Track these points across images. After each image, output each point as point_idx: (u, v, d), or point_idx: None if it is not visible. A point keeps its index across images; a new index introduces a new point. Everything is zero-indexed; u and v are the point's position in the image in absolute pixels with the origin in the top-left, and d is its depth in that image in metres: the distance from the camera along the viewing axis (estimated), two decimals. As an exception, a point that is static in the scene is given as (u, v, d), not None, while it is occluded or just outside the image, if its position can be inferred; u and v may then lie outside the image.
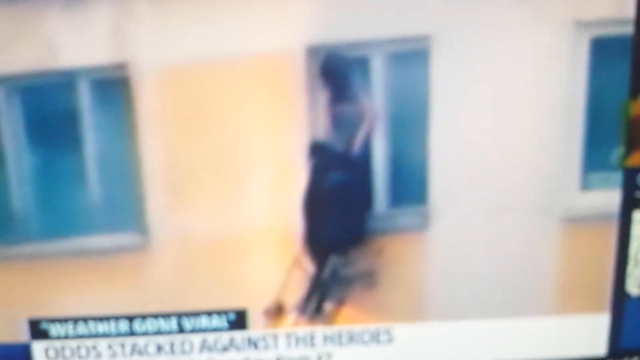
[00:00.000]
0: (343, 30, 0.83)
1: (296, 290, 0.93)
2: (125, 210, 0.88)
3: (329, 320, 0.94)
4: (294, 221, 0.90)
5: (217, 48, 0.83)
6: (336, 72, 0.85)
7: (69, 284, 0.90)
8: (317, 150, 0.87)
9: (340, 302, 0.94)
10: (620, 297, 0.95)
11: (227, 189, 0.88)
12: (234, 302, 0.92)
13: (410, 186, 0.89)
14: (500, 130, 0.87)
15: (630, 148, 0.88)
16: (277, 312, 0.93)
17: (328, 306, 0.94)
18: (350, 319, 0.94)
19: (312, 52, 0.84)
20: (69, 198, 0.87)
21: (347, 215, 0.91)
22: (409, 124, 0.87)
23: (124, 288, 0.91)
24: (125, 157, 0.86)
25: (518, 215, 0.90)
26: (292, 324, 0.94)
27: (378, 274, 0.92)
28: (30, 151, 0.85)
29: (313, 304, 0.94)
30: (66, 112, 0.84)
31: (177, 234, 0.89)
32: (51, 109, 0.84)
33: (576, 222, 0.91)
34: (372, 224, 0.90)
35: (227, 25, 0.83)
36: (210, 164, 0.87)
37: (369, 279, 0.93)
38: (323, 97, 0.86)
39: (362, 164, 0.88)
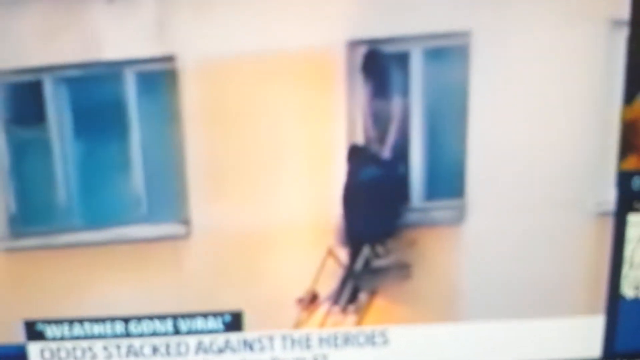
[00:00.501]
0: (383, 25, 0.85)
1: (329, 280, 0.94)
2: (168, 200, 0.89)
3: (361, 310, 0.95)
4: (329, 213, 0.91)
5: (259, 42, 0.85)
6: (376, 69, 0.86)
7: (111, 272, 0.92)
8: (355, 153, 0.88)
9: (373, 293, 0.95)
10: (615, 299, 0.96)
11: (265, 181, 0.89)
12: (268, 291, 0.93)
13: (446, 180, 0.90)
14: (536, 125, 0.88)
15: (624, 152, 0.90)
16: (310, 301, 0.95)
17: (361, 297, 0.95)
18: (382, 310, 0.95)
19: (353, 46, 0.85)
20: (112, 188, 0.88)
21: (382, 209, 0.92)
22: (447, 119, 0.88)
23: (163, 276, 0.92)
24: (168, 148, 0.88)
25: (553, 211, 0.91)
26: (325, 314, 0.95)
27: (411, 266, 0.93)
28: (75, 141, 0.87)
29: (346, 294, 0.95)
30: (112, 103, 0.86)
31: (216, 225, 0.90)
32: (97, 100, 0.86)
33: (610, 217, 0.92)
34: (407, 217, 0.91)
35: (270, 20, 0.84)
36: (249, 156, 0.88)
37: (402, 271, 0.94)
38: (362, 92, 0.87)
39: (396, 161, 0.89)
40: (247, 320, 0.95)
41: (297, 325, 0.95)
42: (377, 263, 0.93)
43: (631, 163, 0.90)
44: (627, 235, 0.93)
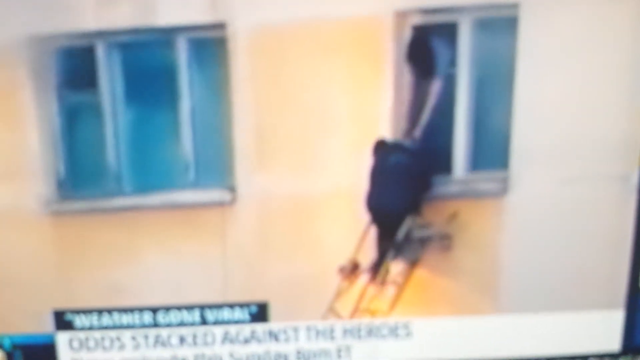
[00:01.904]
0: (432, -5, 0.85)
1: (371, 250, 0.95)
2: (215, 167, 0.90)
3: (402, 280, 0.96)
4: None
5: (309, 10, 0.85)
6: (421, 56, 0.87)
7: (157, 236, 0.93)
8: (381, 147, 0.90)
9: (414, 264, 0.96)
10: (634, 294, 0.96)
11: (311, 150, 0.90)
12: (310, 259, 0.94)
13: (491, 151, 0.91)
14: (583, 99, 0.88)
15: None
16: (351, 270, 0.96)
17: (401, 267, 0.96)
18: (422, 281, 0.96)
19: (401, 16, 0.86)
20: (161, 153, 0.90)
21: (404, 193, 0.93)
22: (494, 90, 0.88)
23: (208, 242, 0.93)
24: (217, 116, 0.89)
25: (597, 184, 0.91)
26: (365, 284, 0.96)
27: (452, 237, 0.94)
28: (126, 106, 0.88)
29: (387, 264, 0.96)
30: (163, 69, 0.87)
31: (261, 192, 0.91)
32: (149, 66, 0.87)
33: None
34: (449, 188, 0.92)
35: (320, -11, 0.85)
36: (296, 125, 0.89)
37: (443, 242, 0.95)
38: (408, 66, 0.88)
39: (422, 148, 0.90)
40: (285, 293, 0.95)
41: (338, 295, 0.96)
42: (419, 233, 0.94)
43: None
44: None
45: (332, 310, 0.97)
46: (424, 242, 0.94)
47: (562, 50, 0.86)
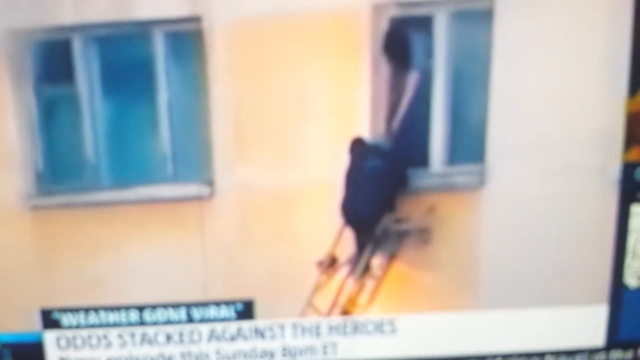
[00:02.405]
0: (408, -11, 0.86)
1: (350, 244, 0.95)
2: (193, 161, 0.90)
3: (380, 275, 0.96)
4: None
5: (286, 3, 0.86)
6: (398, 48, 0.87)
7: (136, 231, 0.93)
8: (358, 145, 0.90)
9: (392, 258, 0.96)
10: (618, 289, 0.96)
11: (289, 143, 0.91)
12: (289, 253, 0.94)
13: (468, 144, 0.91)
14: (560, 90, 0.89)
15: (628, 143, 0.90)
16: (329, 264, 0.96)
17: (380, 261, 0.96)
18: (401, 275, 0.96)
19: (378, 10, 0.86)
20: (139, 147, 0.90)
21: (379, 198, 0.93)
22: (470, 83, 0.89)
23: (187, 236, 0.93)
24: (194, 109, 0.89)
25: (573, 177, 0.91)
26: (344, 278, 0.96)
27: (431, 230, 0.94)
28: (104, 100, 0.88)
29: (365, 258, 0.96)
30: (140, 63, 0.87)
31: (240, 186, 0.91)
32: (126, 59, 0.87)
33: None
34: (427, 182, 0.92)
35: (296, -19, 0.85)
36: (275, 118, 0.89)
37: (422, 236, 0.95)
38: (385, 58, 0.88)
39: (398, 151, 0.91)
40: (265, 286, 0.95)
41: (317, 289, 0.96)
42: (397, 227, 0.94)
43: (634, 154, 0.91)
44: (630, 225, 0.93)
45: (310, 305, 0.97)
46: (402, 236, 0.95)
47: (539, 42, 0.87)
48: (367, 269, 0.96)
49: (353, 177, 0.91)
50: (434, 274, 0.95)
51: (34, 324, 0.95)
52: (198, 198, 0.91)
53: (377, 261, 0.96)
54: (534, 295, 0.96)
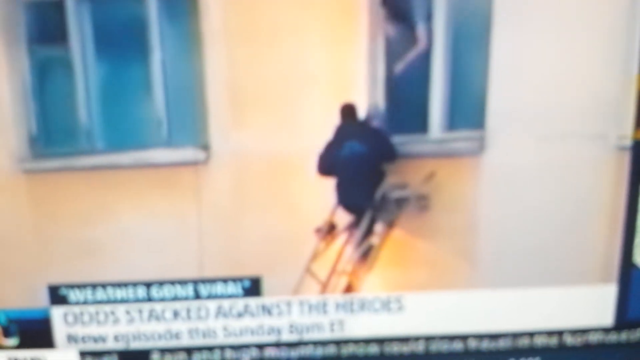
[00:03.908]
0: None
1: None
2: (188, 124, 0.89)
3: (379, 242, 0.95)
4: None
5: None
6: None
7: (130, 196, 0.92)
8: (348, 111, 0.88)
9: (391, 225, 0.95)
10: (627, 268, 0.95)
11: (286, 107, 0.89)
12: (286, 219, 0.93)
13: (467, 110, 0.89)
14: (560, 56, 0.87)
15: (638, 122, 0.89)
16: (328, 231, 0.95)
17: (379, 228, 0.95)
18: (399, 242, 0.95)
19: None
20: (133, 110, 0.89)
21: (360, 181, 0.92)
22: (470, 46, 0.87)
23: (182, 202, 0.92)
24: (189, 71, 0.88)
25: (574, 143, 0.90)
26: (342, 245, 0.95)
27: (430, 198, 0.93)
28: (97, 61, 0.87)
29: (364, 225, 0.95)
30: (133, 23, 0.86)
31: (236, 150, 0.90)
32: (119, 19, 0.86)
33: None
34: (425, 148, 0.91)
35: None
36: (271, 81, 0.88)
37: (420, 203, 0.94)
38: (383, 17, 0.86)
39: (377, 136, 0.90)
40: (261, 252, 0.95)
41: (315, 256, 0.95)
42: (396, 194, 0.93)
43: None
44: None
45: (309, 272, 0.96)
46: (400, 203, 0.93)
47: (540, 7, 0.85)
48: (366, 236, 0.95)
49: (334, 160, 0.90)
50: (433, 242, 0.95)
51: (23, 285, 0.95)
52: (194, 163, 0.90)
53: (376, 228, 0.95)
54: (533, 261, 0.95)
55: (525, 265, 0.95)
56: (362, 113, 0.89)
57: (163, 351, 0.97)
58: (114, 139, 0.89)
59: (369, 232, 0.95)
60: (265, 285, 0.96)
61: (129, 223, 0.93)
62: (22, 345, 0.96)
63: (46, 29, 0.86)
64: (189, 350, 0.97)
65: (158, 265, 0.94)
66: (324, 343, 0.98)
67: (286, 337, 0.98)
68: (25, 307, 0.95)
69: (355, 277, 0.96)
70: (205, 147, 0.89)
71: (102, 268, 0.94)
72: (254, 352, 0.98)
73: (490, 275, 0.96)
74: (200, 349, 0.97)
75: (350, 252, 0.96)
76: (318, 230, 0.94)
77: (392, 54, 0.87)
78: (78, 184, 0.91)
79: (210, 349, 0.97)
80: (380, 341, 0.98)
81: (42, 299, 0.95)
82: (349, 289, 0.97)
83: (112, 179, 0.91)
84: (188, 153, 0.90)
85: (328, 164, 0.90)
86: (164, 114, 0.88)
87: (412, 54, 0.87)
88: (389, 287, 0.96)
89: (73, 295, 0.95)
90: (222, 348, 0.97)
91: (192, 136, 0.89)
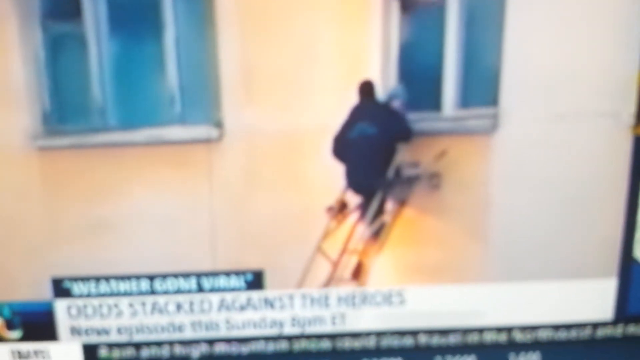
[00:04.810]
0: None
1: (360, 191, 0.94)
2: (201, 102, 0.89)
3: (391, 221, 0.95)
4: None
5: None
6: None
7: (144, 173, 0.92)
8: (366, 89, 0.88)
9: (403, 203, 0.95)
10: (627, 263, 0.96)
11: (298, 85, 0.89)
12: (298, 197, 0.93)
13: (481, 88, 0.89)
14: (574, 33, 0.87)
15: (639, 117, 0.89)
16: (339, 210, 0.95)
17: (390, 207, 0.95)
18: (411, 221, 0.95)
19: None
20: (146, 87, 0.89)
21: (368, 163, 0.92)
22: (484, 25, 0.87)
23: (196, 179, 0.92)
24: (202, 49, 0.87)
25: (587, 119, 0.90)
26: (354, 224, 0.95)
27: (441, 176, 0.93)
28: (111, 37, 0.87)
29: (375, 204, 0.95)
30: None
31: (248, 128, 0.90)
32: (133, -5, 0.85)
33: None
34: (438, 125, 0.91)
35: None
36: (284, 59, 0.88)
37: (432, 181, 0.93)
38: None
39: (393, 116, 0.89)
40: (273, 231, 0.95)
41: (326, 234, 0.95)
42: (408, 172, 0.93)
43: None
44: None
45: (319, 250, 0.96)
46: (412, 181, 0.93)
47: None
48: (377, 214, 0.95)
49: (344, 144, 0.90)
50: (444, 219, 0.94)
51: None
52: (207, 140, 0.90)
53: (387, 207, 0.95)
54: (543, 241, 0.95)
55: (530, 236, 0.95)
56: (381, 92, 0.88)
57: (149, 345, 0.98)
58: (127, 116, 0.89)
59: (380, 210, 0.95)
60: (276, 264, 0.95)
61: (140, 201, 0.93)
62: (25, 337, 0.96)
63: (60, 5, 0.86)
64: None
65: (169, 242, 0.94)
66: (326, 336, 0.98)
67: (288, 330, 0.98)
68: (29, 299, 0.95)
69: (366, 256, 0.96)
70: (219, 125, 0.89)
71: (113, 245, 0.94)
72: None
73: (499, 253, 0.95)
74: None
75: (362, 231, 0.95)
76: (329, 209, 0.94)
77: (406, 32, 0.87)
78: (91, 161, 0.91)
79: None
80: (382, 334, 0.98)
81: (45, 291, 0.95)
82: (359, 267, 0.97)
83: (124, 156, 0.91)
84: (201, 131, 0.90)
85: (340, 145, 0.89)
86: (177, 91, 0.88)
87: (421, 32, 0.87)
88: (399, 266, 0.96)
89: (76, 288, 0.95)
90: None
91: (205, 114, 0.89)
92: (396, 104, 0.89)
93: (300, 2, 0.85)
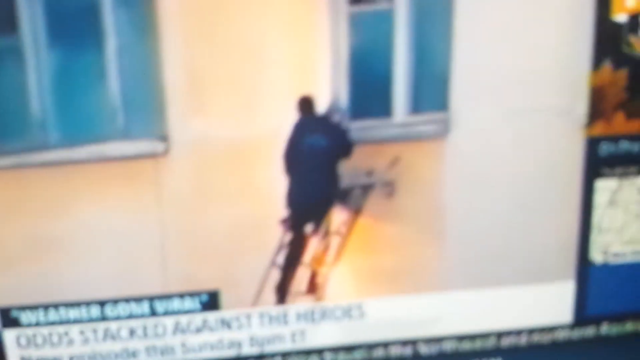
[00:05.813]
0: None
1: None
2: (145, 112, 0.87)
3: (346, 231, 0.94)
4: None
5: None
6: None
7: (88, 192, 0.89)
8: (307, 104, 0.87)
9: (357, 213, 0.93)
10: (584, 265, 0.96)
11: (246, 94, 0.87)
12: (250, 208, 0.91)
13: (431, 92, 0.89)
14: (524, 30, 0.87)
15: (592, 118, 0.90)
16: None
17: (344, 216, 0.94)
18: (366, 229, 0.94)
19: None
20: (88, 100, 0.85)
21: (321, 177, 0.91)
22: (432, 29, 0.86)
23: (143, 196, 0.89)
24: (145, 59, 0.85)
25: (539, 118, 0.90)
26: (308, 236, 0.94)
27: (395, 183, 0.92)
28: (50, 50, 0.84)
29: (329, 215, 0.94)
30: (87, 7, 0.82)
31: (196, 139, 0.88)
32: (72, 6, 0.83)
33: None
34: (390, 132, 0.90)
35: None
36: (230, 67, 0.86)
37: (386, 189, 0.93)
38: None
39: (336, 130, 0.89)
40: (225, 246, 0.92)
41: (281, 247, 0.93)
42: (361, 181, 0.92)
43: (598, 129, 0.90)
44: (595, 201, 0.93)
45: (275, 265, 0.94)
46: (366, 190, 0.92)
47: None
48: (331, 226, 0.94)
49: (293, 158, 0.88)
50: (400, 227, 0.93)
51: None
52: (152, 155, 0.87)
53: (342, 217, 0.93)
54: (500, 244, 0.95)
55: (487, 239, 0.95)
56: (322, 105, 0.87)
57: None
58: (69, 132, 0.86)
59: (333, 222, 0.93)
60: (231, 280, 0.93)
61: (88, 219, 0.89)
62: (-28, 370, 0.92)
63: (-5, 17, 0.82)
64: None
65: (119, 261, 0.91)
66: (285, 354, 0.96)
67: (247, 350, 0.95)
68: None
69: (321, 268, 0.94)
70: (164, 138, 0.87)
71: (61, 267, 0.91)
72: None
73: (456, 258, 0.95)
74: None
75: (316, 243, 0.93)
76: (283, 221, 0.92)
77: (356, 37, 0.86)
78: (34, 181, 0.87)
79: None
80: (343, 349, 0.96)
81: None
82: (314, 280, 0.95)
83: (68, 174, 0.88)
84: (146, 145, 0.87)
85: (292, 161, 0.88)
86: (120, 104, 0.85)
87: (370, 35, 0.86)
88: (356, 276, 0.94)
89: (25, 317, 0.91)
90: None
91: (150, 126, 0.87)
92: (336, 118, 0.88)
93: (246, 7, 0.83)
